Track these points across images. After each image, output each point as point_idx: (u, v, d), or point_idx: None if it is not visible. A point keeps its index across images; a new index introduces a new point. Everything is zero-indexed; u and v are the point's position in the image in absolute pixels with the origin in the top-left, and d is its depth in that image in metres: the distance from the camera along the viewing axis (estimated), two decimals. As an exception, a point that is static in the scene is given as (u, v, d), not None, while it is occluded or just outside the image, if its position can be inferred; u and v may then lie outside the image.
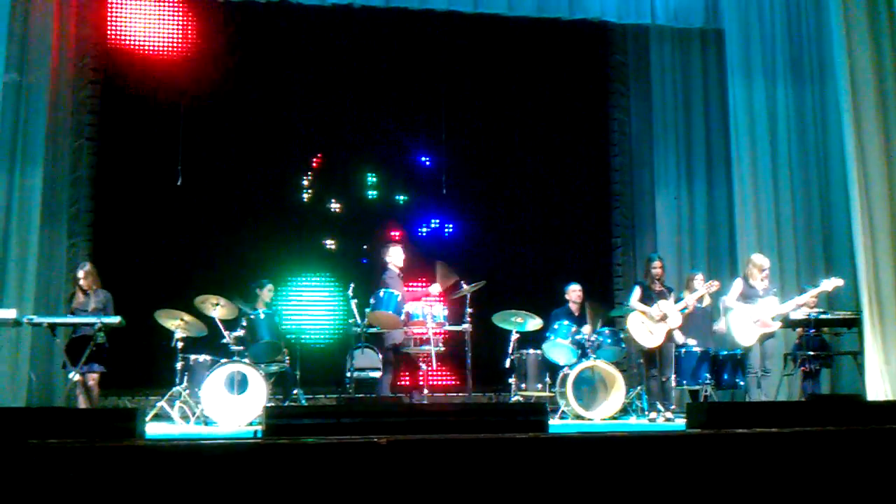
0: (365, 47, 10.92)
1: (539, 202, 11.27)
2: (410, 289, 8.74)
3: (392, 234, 10.62)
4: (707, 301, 8.89)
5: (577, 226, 11.35)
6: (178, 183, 10.16)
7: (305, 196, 10.76)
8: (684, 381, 8.83)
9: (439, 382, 10.02)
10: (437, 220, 11.08)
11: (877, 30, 8.90)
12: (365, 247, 10.40)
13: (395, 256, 8.97)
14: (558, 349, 8.92)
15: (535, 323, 8.99)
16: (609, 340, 8.95)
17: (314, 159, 10.82)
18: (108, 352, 7.86)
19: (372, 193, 10.94)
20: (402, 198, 11.01)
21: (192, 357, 8.24)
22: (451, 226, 11.05)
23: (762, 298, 8.36)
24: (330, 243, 10.70)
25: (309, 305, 10.39)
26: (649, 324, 8.44)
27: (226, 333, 8.19)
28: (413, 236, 10.72)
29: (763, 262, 8.55)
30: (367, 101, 10.92)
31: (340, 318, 10.06)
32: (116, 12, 10.34)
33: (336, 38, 10.84)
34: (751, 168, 9.89)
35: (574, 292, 9.50)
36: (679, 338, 8.74)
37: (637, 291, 8.65)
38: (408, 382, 9.52)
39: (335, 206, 10.81)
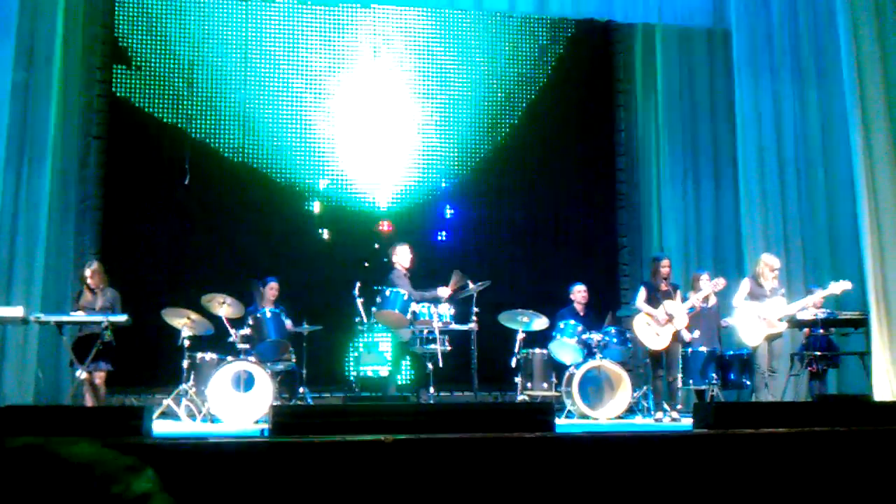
0: (368, 43, 10.93)
1: (545, 201, 11.25)
2: (418, 290, 8.73)
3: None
4: (713, 300, 8.87)
5: (582, 225, 11.35)
6: (186, 182, 10.19)
7: (312, 193, 10.78)
8: (691, 381, 8.81)
9: (445, 382, 10.01)
10: (447, 212, 11.09)
11: (884, 28, 8.87)
12: (376, 245, 10.38)
13: (402, 256, 8.96)
14: (564, 348, 8.92)
15: (540, 322, 8.98)
16: (615, 340, 8.94)
17: (321, 155, 10.84)
18: (115, 350, 7.88)
19: (377, 188, 10.95)
20: (407, 195, 11.01)
21: (199, 355, 8.25)
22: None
23: (769, 298, 8.34)
24: (332, 237, 10.72)
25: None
26: (655, 326, 8.42)
27: (232, 332, 8.19)
28: (417, 235, 10.72)
29: (774, 262, 8.52)
30: (371, 93, 10.92)
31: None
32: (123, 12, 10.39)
33: (341, 34, 10.86)
34: (757, 167, 9.86)
35: (579, 292, 9.48)
36: (686, 336, 8.71)
37: (642, 292, 8.62)
38: (413, 381, 9.52)
39: (341, 201, 10.83)
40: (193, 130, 10.41)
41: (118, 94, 10.30)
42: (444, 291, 8.62)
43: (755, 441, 4.20)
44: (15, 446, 0.88)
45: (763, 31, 10.01)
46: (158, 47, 10.44)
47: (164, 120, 10.35)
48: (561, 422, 8.22)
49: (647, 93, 11.29)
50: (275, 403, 7.52)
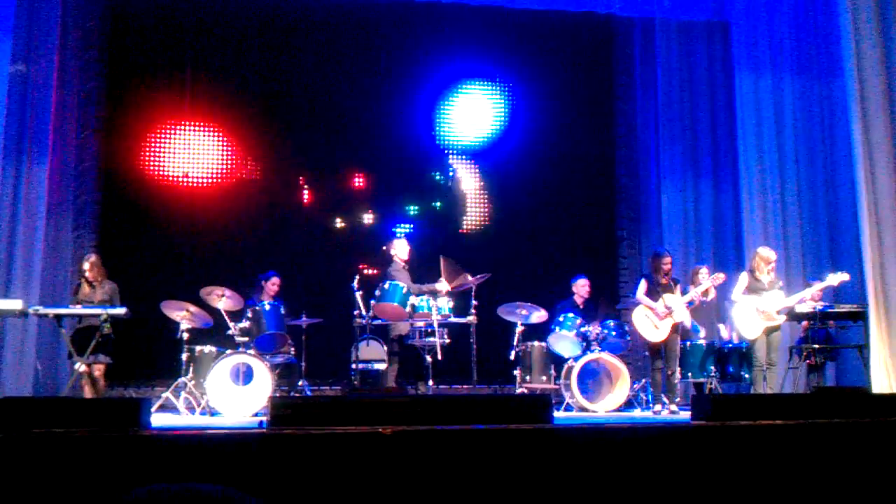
0: (368, 40, 10.93)
1: (545, 195, 11.25)
2: (416, 283, 8.73)
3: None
4: (712, 294, 8.87)
5: (582, 218, 11.34)
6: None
7: (308, 191, 10.78)
8: (689, 374, 8.82)
9: (444, 374, 10.01)
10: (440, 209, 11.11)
11: (884, 22, 8.86)
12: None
13: (401, 249, 8.96)
14: (563, 341, 8.92)
15: (539, 315, 8.98)
16: (614, 333, 8.94)
17: (318, 153, 10.84)
18: (114, 343, 7.89)
19: (375, 186, 10.95)
20: (405, 192, 11.02)
21: (198, 348, 8.26)
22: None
23: (767, 292, 8.34)
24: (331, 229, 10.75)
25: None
26: (654, 318, 8.42)
27: (231, 325, 8.20)
28: (417, 230, 10.74)
29: (770, 255, 8.52)
30: (369, 92, 10.92)
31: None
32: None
33: (339, 34, 10.83)
34: (757, 161, 9.86)
35: (582, 287, 9.46)
36: (687, 322, 8.69)
37: (643, 285, 8.61)
38: (412, 374, 9.52)
39: (339, 196, 10.84)
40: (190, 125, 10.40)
41: (116, 88, 10.28)
42: (443, 285, 8.62)
43: (753, 433, 4.21)
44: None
45: (762, 24, 10.00)
46: (158, 39, 10.42)
47: (162, 114, 10.35)
48: (560, 414, 8.23)
49: (647, 86, 11.25)
50: (273, 396, 7.52)
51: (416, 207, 11.08)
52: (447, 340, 8.52)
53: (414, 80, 11.06)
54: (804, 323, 8.77)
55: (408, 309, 8.38)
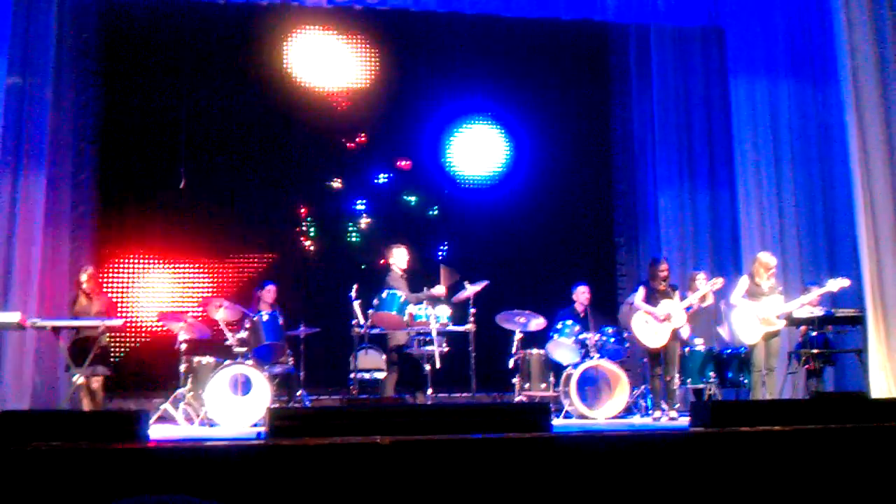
0: (364, 48, 10.94)
1: (541, 201, 11.25)
2: (414, 291, 8.73)
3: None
4: (710, 300, 8.87)
5: (579, 225, 11.35)
6: (181, 185, 10.19)
7: (307, 195, 10.80)
8: (688, 380, 8.82)
9: (443, 383, 9.99)
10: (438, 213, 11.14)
11: (879, 26, 8.88)
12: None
13: (399, 257, 8.96)
14: (562, 349, 8.91)
15: (538, 323, 8.97)
16: (613, 340, 8.93)
17: (315, 158, 10.86)
18: (113, 354, 7.88)
19: (375, 190, 10.97)
20: (407, 196, 11.03)
21: (196, 359, 8.25)
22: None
23: (767, 297, 8.34)
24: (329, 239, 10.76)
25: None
26: (654, 324, 8.42)
27: (229, 335, 8.19)
28: (419, 233, 10.76)
29: (770, 261, 8.52)
30: (367, 97, 10.94)
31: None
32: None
33: (336, 39, 10.86)
34: (754, 166, 9.86)
35: (582, 294, 9.43)
36: (685, 333, 8.70)
37: (641, 291, 8.62)
38: (411, 383, 9.51)
39: (337, 201, 10.87)
40: (188, 133, 10.41)
41: (112, 99, 10.28)
42: (439, 290, 8.63)
43: (752, 439, 4.20)
44: None
45: (757, 29, 10.00)
46: (154, 49, 10.44)
47: (159, 124, 10.35)
48: (559, 422, 8.23)
49: (643, 92, 11.25)
50: (272, 406, 7.51)
51: (414, 213, 11.09)
52: (445, 349, 8.51)
53: (412, 88, 11.09)
54: (802, 328, 8.77)
55: (406, 318, 8.38)
